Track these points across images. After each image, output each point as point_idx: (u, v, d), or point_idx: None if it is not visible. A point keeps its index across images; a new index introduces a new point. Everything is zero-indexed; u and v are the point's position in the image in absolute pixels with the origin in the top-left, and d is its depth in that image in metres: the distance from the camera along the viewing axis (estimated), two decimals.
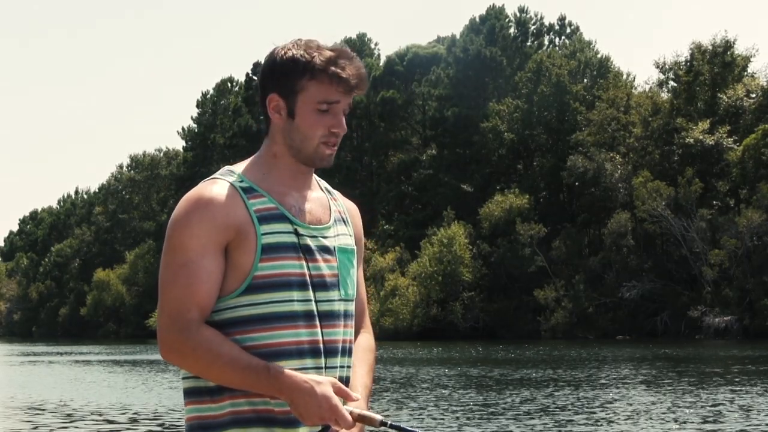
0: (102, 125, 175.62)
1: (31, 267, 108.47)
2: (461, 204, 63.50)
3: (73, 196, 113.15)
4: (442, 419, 15.93)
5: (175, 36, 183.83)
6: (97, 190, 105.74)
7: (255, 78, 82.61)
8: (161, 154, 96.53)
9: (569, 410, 16.79)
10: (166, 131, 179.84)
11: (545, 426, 14.76)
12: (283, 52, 2.46)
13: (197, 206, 2.38)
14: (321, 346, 2.42)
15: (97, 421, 16.95)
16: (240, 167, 2.50)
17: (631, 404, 17.62)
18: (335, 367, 2.45)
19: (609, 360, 31.88)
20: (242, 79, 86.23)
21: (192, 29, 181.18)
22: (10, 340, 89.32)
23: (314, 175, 2.59)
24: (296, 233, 2.43)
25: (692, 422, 14.88)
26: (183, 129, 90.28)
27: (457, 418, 16.07)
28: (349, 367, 2.51)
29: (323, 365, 2.42)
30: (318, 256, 2.45)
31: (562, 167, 59.85)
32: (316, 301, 2.43)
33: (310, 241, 2.44)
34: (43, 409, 19.14)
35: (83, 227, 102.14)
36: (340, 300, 2.48)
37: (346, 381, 2.48)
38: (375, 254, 62.49)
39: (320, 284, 2.44)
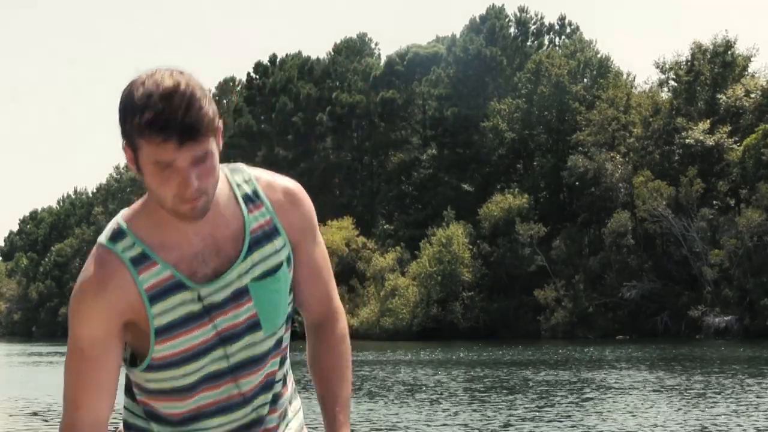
0: (102, 125, 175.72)
1: (31, 267, 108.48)
2: (461, 204, 63.48)
3: (73, 196, 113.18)
4: (438, 421, 15.92)
5: (176, 35, 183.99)
6: (95, 190, 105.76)
7: (256, 78, 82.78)
8: None
9: (569, 411, 16.78)
10: None
11: (545, 426, 14.76)
12: (125, 92, 2.10)
13: (84, 296, 2.18)
14: (240, 399, 2.29)
15: None
16: (133, 220, 2.22)
17: (632, 405, 17.61)
18: (254, 409, 2.32)
19: (609, 360, 31.87)
20: (244, 78, 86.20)
21: (193, 29, 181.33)
22: (10, 340, 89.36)
23: (232, 178, 2.29)
24: (199, 298, 2.19)
25: (692, 422, 14.87)
26: None
27: (459, 419, 16.06)
28: (266, 403, 2.34)
29: (248, 411, 2.31)
30: (228, 307, 2.21)
31: (562, 167, 59.83)
32: (227, 356, 2.24)
33: (216, 296, 2.21)
34: (43, 410, 19.12)
35: (83, 227, 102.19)
36: (260, 341, 2.27)
37: (263, 419, 2.35)
38: (375, 254, 62.43)
39: (233, 336, 2.23)
